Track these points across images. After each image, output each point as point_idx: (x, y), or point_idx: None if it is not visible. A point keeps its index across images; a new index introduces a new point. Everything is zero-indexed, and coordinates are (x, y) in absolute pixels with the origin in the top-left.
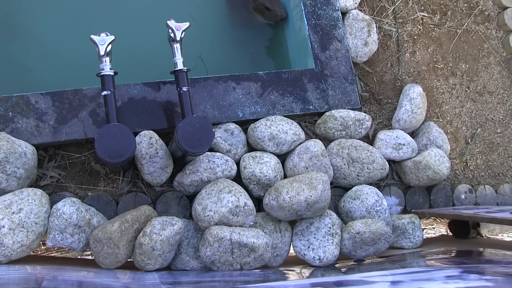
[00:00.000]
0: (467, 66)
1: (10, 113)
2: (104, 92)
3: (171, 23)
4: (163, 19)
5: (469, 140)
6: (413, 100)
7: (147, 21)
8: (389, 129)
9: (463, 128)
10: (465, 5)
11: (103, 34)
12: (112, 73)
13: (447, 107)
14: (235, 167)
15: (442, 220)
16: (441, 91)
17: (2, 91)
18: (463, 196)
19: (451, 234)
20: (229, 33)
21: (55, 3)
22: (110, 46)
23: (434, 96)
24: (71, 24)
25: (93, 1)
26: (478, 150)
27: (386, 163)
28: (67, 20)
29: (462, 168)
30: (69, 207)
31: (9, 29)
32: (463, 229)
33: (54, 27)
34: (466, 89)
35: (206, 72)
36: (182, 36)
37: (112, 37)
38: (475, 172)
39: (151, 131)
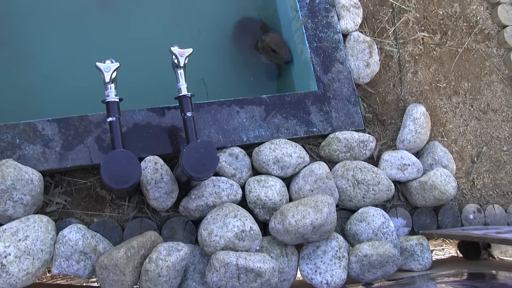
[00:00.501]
0: (469, 84)
1: (17, 140)
2: (110, 119)
3: (175, 49)
4: (167, 45)
5: (475, 159)
6: (417, 120)
7: (152, 48)
8: (393, 149)
9: (469, 146)
10: (465, 24)
11: (108, 61)
12: (117, 100)
13: (451, 126)
14: (240, 191)
15: (451, 241)
16: (445, 110)
17: (10, 118)
18: (471, 216)
19: (461, 255)
20: (232, 58)
21: (62, 30)
22: (115, 73)
23: (437, 115)
24: (76, 52)
25: (98, 29)
26: (485, 168)
27: (392, 184)
28: (73, 47)
29: (469, 187)
30: (75, 234)
31: (17, 56)
32: (474, 250)
33: (60, 54)
34: (470, 108)
35: (207, 96)
36: (186, 62)
37: (117, 64)
38: (483, 191)
39: (156, 157)
